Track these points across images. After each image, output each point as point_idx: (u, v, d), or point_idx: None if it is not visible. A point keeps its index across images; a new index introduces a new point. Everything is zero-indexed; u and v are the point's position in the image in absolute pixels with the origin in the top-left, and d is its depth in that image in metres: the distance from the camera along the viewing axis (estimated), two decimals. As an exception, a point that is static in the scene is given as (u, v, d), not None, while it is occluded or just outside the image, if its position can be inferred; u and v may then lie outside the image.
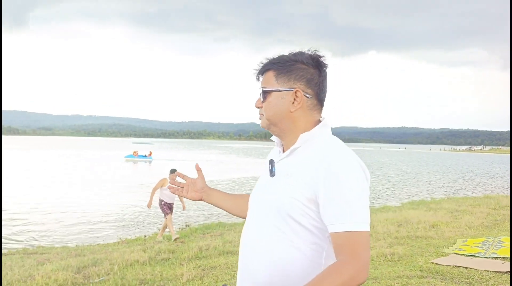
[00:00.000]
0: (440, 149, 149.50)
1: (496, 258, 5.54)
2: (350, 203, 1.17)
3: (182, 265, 5.71)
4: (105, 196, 16.90)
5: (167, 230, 8.62)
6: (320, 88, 1.29)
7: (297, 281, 1.20)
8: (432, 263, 5.41)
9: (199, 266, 5.59)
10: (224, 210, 1.58)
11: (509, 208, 10.81)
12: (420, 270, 5.11)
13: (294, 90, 1.26)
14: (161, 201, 8.24)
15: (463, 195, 17.95)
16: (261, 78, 1.32)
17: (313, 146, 1.25)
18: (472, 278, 4.70)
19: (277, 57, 1.30)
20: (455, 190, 21.24)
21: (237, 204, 1.54)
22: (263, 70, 1.31)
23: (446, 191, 20.42)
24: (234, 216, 1.86)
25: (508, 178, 30.05)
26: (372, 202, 16.02)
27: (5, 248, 8.29)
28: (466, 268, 5.12)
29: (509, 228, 7.89)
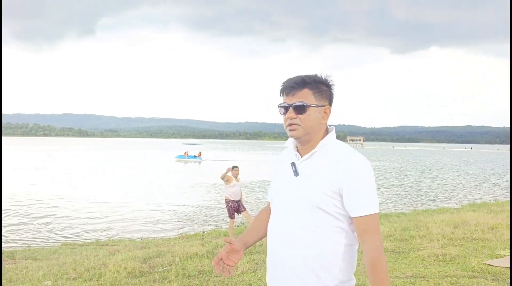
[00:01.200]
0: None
1: (555, 261, 5.36)
2: (368, 193, 1.48)
3: (237, 259, 6.09)
4: (163, 194, 17.89)
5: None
6: (332, 104, 1.62)
7: (325, 257, 1.48)
8: (485, 264, 5.36)
9: (252, 260, 5.94)
10: (259, 239, 1.79)
11: None
12: (472, 271, 5.09)
13: (326, 107, 1.58)
14: (227, 201, 8.26)
15: (531, 197, 16.87)
16: (295, 92, 1.54)
17: (328, 150, 1.55)
18: (526, 280, 4.64)
19: (307, 77, 1.56)
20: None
21: (264, 229, 1.74)
22: (302, 87, 1.54)
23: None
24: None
25: None
26: (429, 205, 15.56)
27: (78, 240, 9.18)
28: (521, 270, 5.03)
29: None
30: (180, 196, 17.24)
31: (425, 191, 20.06)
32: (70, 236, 9.70)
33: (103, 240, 8.72)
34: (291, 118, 1.54)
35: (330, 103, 1.59)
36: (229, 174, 8.39)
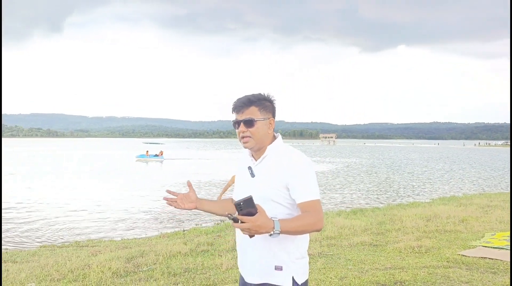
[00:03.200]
0: (475, 144, 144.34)
1: (522, 250, 5.70)
2: (307, 184, 1.79)
3: (221, 256, 6.17)
4: (133, 195, 17.70)
5: None
6: (275, 116, 1.96)
7: (279, 240, 1.76)
8: (459, 254, 5.65)
9: (236, 257, 5.99)
10: (213, 213, 2.12)
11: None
12: (447, 261, 5.36)
13: (270, 119, 1.90)
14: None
15: (497, 191, 17.67)
16: (244, 110, 1.87)
17: (276, 154, 1.87)
18: (497, 268, 4.93)
19: (252, 96, 1.89)
20: (488, 186, 20.89)
21: (223, 207, 2.08)
22: (248, 105, 1.87)
23: (479, 187, 20.13)
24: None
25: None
26: (402, 200, 16.06)
27: (56, 242, 9.02)
28: (492, 259, 5.34)
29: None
30: (151, 197, 17.08)
31: (397, 187, 20.66)
32: (47, 238, 9.49)
33: (82, 242, 8.58)
34: (243, 132, 1.86)
35: (274, 115, 1.93)
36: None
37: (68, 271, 5.49)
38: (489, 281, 4.38)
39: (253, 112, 1.86)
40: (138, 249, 6.98)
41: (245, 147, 1.88)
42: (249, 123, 1.84)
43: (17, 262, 6.45)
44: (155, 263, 5.88)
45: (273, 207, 1.78)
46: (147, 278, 5.10)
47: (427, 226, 8.00)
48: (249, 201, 1.60)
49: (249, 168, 1.91)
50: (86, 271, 5.45)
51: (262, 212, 1.61)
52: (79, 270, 5.54)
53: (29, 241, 9.32)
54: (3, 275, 5.48)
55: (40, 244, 8.58)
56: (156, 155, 44.66)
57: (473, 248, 6.00)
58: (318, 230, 1.74)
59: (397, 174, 28.82)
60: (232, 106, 1.91)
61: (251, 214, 1.58)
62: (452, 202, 12.11)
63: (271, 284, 1.79)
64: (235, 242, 7.07)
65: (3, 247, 8.61)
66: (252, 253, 1.84)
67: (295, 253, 1.80)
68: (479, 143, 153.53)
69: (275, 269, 1.78)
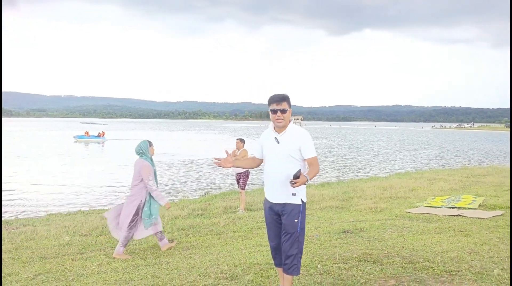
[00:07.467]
0: (432, 127, 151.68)
1: (453, 208, 7.35)
2: (310, 147, 3.10)
3: (216, 217, 7.45)
4: (100, 173, 18.48)
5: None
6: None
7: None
8: (405, 212, 7.21)
9: (229, 217, 7.33)
10: (243, 167, 3.37)
11: (478, 176, 12.70)
12: (395, 216, 6.89)
13: (290, 110, 3.14)
14: (237, 174, 8.18)
15: (443, 168, 19.82)
16: (281, 103, 3.07)
17: (291, 130, 3.13)
18: (431, 220, 6.49)
19: (285, 95, 3.11)
20: (439, 164, 23.17)
21: (250, 163, 3.34)
22: (284, 100, 3.09)
23: (429, 165, 22.32)
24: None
25: (482, 152, 32.00)
26: (364, 175, 17.83)
27: (61, 211, 9.94)
28: (430, 214, 6.92)
29: (473, 191, 9.69)
30: (119, 175, 17.87)
31: (359, 165, 22.54)
32: (49, 209, 10.27)
33: (85, 210, 9.56)
34: (279, 116, 3.08)
35: (291, 107, 3.18)
36: (244, 148, 8.08)
37: (92, 229, 6.61)
38: (424, 227, 5.90)
39: (286, 105, 3.06)
40: (142, 214, 8.11)
41: (279, 126, 3.06)
42: (284, 111, 3.06)
43: (37, 225, 7.44)
44: (162, 223, 7.07)
45: (291, 160, 3.04)
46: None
47: (383, 194, 9.58)
48: (298, 172, 2.85)
49: (275, 138, 3.12)
50: (107, 228, 6.57)
51: (301, 175, 2.88)
52: (100, 228, 6.67)
53: (32, 210, 10.16)
54: (35, 233, 6.51)
55: (46, 213, 9.46)
56: (97, 136, 42.15)
57: (416, 207, 7.59)
58: (318, 173, 3.07)
59: (359, 154, 30.92)
60: (272, 99, 3.07)
61: (297, 176, 2.81)
62: (406, 176, 13.88)
63: (290, 203, 3.03)
64: (228, 206, 8.39)
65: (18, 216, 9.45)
66: (279, 187, 3.06)
67: (301, 186, 2.98)
68: (434, 126, 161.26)
69: (292, 194, 3.03)
